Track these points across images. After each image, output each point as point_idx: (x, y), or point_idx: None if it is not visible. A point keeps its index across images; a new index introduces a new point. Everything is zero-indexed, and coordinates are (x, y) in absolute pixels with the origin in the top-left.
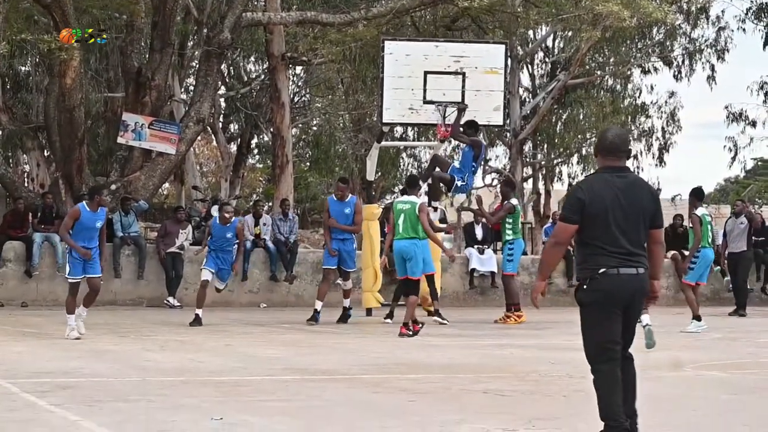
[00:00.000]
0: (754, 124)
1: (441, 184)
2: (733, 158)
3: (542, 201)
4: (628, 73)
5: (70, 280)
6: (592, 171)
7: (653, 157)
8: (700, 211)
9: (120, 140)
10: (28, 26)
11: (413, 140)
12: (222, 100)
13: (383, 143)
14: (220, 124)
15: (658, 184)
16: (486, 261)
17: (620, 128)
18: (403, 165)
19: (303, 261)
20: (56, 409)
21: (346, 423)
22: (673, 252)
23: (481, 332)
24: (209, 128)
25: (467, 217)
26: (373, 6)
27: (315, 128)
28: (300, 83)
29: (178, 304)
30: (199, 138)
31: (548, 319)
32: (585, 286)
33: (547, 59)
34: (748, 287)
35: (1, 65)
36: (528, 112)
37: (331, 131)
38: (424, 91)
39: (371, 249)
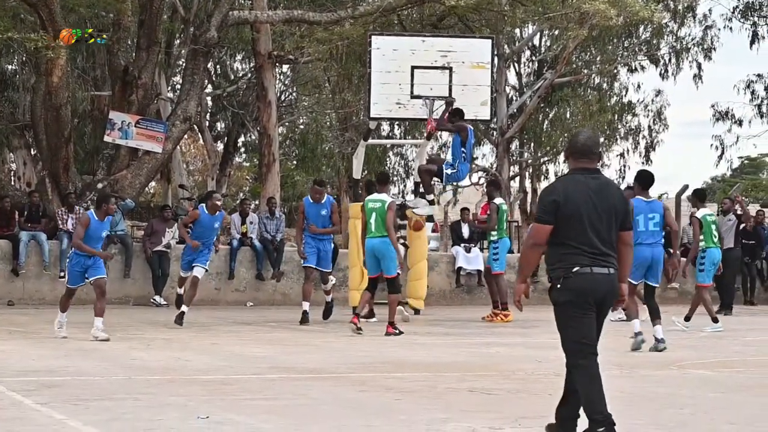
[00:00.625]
0: (740, 122)
1: (431, 178)
2: (720, 157)
3: (529, 199)
4: (615, 71)
5: (68, 287)
6: None
7: (640, 156)
8: (701, 212)
9: (107, 139)
10: (15, 24)
11: (400, 138)
12: (209, 98)
13: (370, 141)
14: (207, 123)
15: None
16: (472, 259)
17: (591, 131)
18: (390, 163)
19: (289, 259)
20: (42, 407)
21: (332, 422)
22: None
23: (467, 331)
24: (196, 127)
25: (454, 215)
26: (360, 4)
27: (302, 127)
28: (287, 82)
29: (165, 302)
30: (185, 136)
31: (534, 317)
32: (559, 286)
33: (533, 58)
34: (735, 285)
35: None
36: (515, 110)
37: (318, 130)
38: (412, 85)
39: (358, 247)
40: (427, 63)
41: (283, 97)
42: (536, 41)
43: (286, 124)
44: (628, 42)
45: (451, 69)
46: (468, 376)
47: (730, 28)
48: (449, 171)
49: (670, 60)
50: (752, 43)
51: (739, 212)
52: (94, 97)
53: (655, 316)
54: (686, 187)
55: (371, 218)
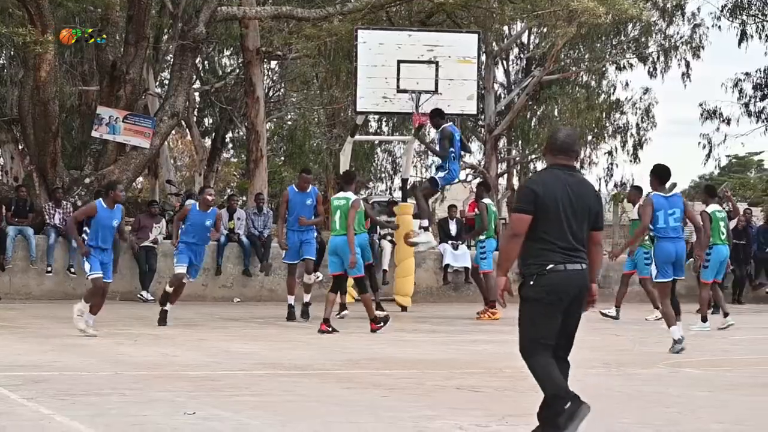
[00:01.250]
0: (728, 121)
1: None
2: (708, 155)
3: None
4: (603, 69)
5: (91, 277)
6: None
7: (628, 154)
8: (711, 207)
9: (94, 134)
10: (3, 19)
11: (387, 134)
12: (197, 94)
13: (357, 137)
14: (195, 119)
15: (633, 180)
16: (460, 257)
17: (570, 129)
18: (378, 159)
19: (277, 255)
20: (29, 402)
21: (318, 418)
22: None
23: (454, 328)
24: (184, 122)
25: (441, 212)
26: (349, 1)
27: (290, 123)
28: (275, 78)
29: (152, 298)
30: (173, 132)
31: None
32: (531, 282)
33: (522, 55)
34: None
35: None
36: (503, 107)
37: (306, 126)
38: (398, 80)
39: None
40: (414, 57)
41: (271, 94)
42: (525, 39)
43: (274, 120)
44: (617, 40)
45: (437, 63)
46: (455, 373)
47: (719, 27)
48: (441, 174)
49: (658, 58)
50: (741, 41)
51: (728, 209)
52: (81, 92)
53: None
54: (674, 185)
55: (335, 216)
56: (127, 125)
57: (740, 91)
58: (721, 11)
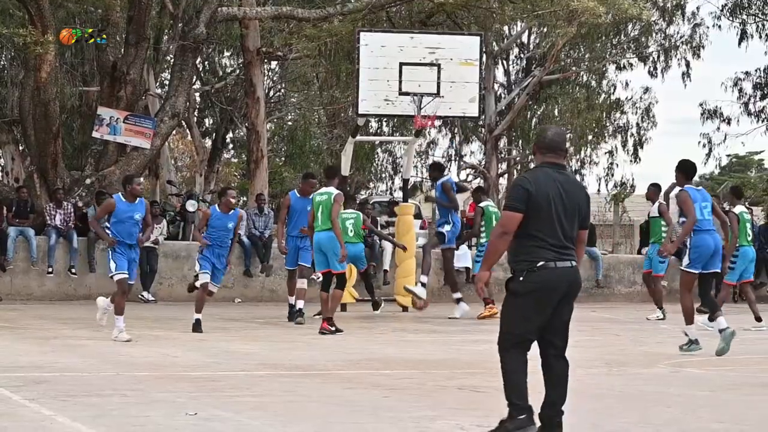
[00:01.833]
0: (728, 121)
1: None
2: (708, 155)
3: None
4: (603, 69)
5: (117, 277)
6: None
7: (628, 153)
8: (738, 208)
9: (95, 134)
10: (4, 20)
11: (388, 135)
12: (197, 94)
13: (358, 138)
14: (195, 119)
15: (632, 180)
16: (461, 256)
17: (559, 127)
18: (378, 160)
19: (278, 256)
20: (30, 403)
21: (319, 419)
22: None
23: (455, 328)
24: (184, 123)
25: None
26: (349, 1)
27: (290, 123)
28: (275, 78)
29: (153, 298)
30: (174, 132)
31: None
32: (521, 278)
33: (522, 55)
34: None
35: None
36: (503, 107)
37: (306, 126)
38: (400, 82)
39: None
40: (416, 60)
41: (271, 94)
42: (525, 39)
43: (275, 120)
44: (617, 40)
45: (439, 66)
46: (456, 373)
47: (719, 26)
48: (448, 227)
49: (658, 58)
50: (741, 41)
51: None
52: (82, 92)
53: (701, 312)
54: (674, 184)
55: (318, 212)
56: (128, 126)
57: (740, 91)
58: (722, 11)
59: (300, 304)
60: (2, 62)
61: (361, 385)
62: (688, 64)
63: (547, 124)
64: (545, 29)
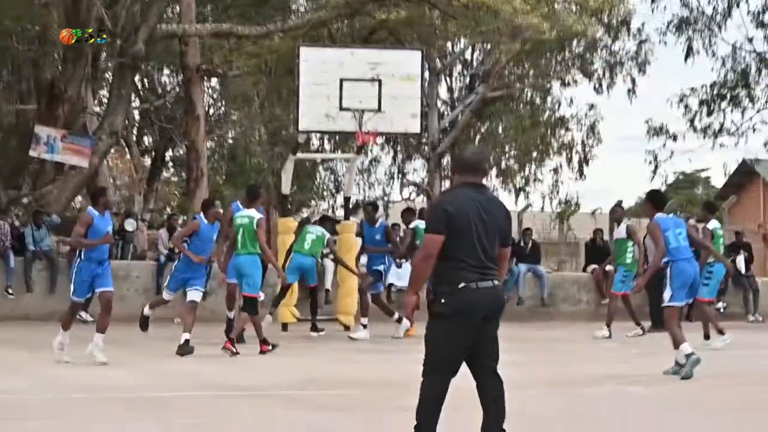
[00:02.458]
0: (675, 137)
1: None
2: (654, 171)
3: None
4: (548, 86)
5: (73, 299)
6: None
7: (573, 171)
8: (711, 224)
9: (32, 153)
10: None
11: (330, 152)
12: (136, 112)
13: (299, 155)
14: (134, 137)
15: (577, 198)
16: (403, 275)
17: (478, 147)
18: (320, 178)
19: (218, 275)
20: None
21: None
22: (593, 266)
23: (400, 347)
24: (123, 141)
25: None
26: (289, 18)
27: (231, 141)
28: (215, 95)
29: (91, 318)
30: (112, 151)
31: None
32: (443, 300)
33: (465, 72)
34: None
35: None
36: (447, 125)
37: (247, 144)
38: (341, 98)
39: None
40: (357, 75)
41: (211, 111)
42: (468, 55)
43: (215, 138)
44: (561, 56)
45: (380, 81)
46: (401, 393)
47: (665, 42)
48: (382, 267)
49: (603, 74)
50: (687, 56)
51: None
52: (19, 111)
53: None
54: (620, 202)
55: (238, 234)
56: (66, 144)
57: (686, 107)
58: (667, 27)
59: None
60: None
61: (303, 406)
62: (633, 81)
63: (468, 145)
64: (489, 46)
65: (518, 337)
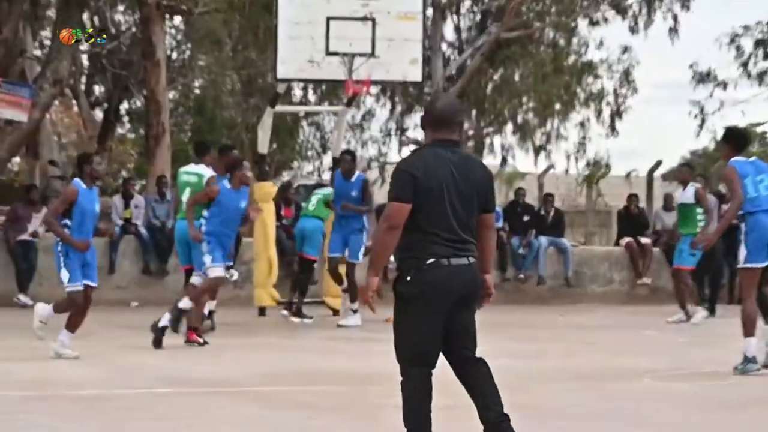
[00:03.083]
0: (724, 85)
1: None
2: (701, 126)
3: None
4: (573, 24)
5: (69, 289)
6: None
7: (603, 126)
8: None
9: None
10: None
11: (314, 105)
12: (84, 57)
13: (278, 108)
14: (83, 87)
15: (608, 158)
16: None
17: (452, 96)
18: (303, 135)
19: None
20: None
21: None
22: (627, 239)
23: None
24: (69, 91)
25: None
26: None
27: (197, 91)
28: (179, 37)
29: (31, 302)
30: (56, 103)
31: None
32: (409, 278)
33: (475, 8)
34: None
35: None
36: (453, 71)
37: (217, 94)
38: (327, 40)
39: (265, 236)
40: (346, 13)
41: (174, 56)
42: None
43: (179, 87)
44: None
45: (374, 20)
46: (395, 389)
47: None
48: (365, 236)
49: (640, 11)
50: None
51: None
52: None
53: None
54: (659, 163)
55: (183, 195)
56: (1, 95)
57: (737, 49)
58: None
59: (211, 305)
60: None
61: (281, 404)
62: (675, 18)
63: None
64: None
65: (538, 322)
